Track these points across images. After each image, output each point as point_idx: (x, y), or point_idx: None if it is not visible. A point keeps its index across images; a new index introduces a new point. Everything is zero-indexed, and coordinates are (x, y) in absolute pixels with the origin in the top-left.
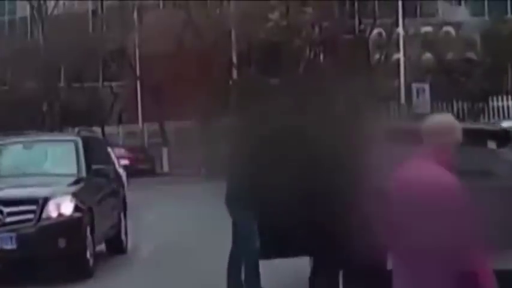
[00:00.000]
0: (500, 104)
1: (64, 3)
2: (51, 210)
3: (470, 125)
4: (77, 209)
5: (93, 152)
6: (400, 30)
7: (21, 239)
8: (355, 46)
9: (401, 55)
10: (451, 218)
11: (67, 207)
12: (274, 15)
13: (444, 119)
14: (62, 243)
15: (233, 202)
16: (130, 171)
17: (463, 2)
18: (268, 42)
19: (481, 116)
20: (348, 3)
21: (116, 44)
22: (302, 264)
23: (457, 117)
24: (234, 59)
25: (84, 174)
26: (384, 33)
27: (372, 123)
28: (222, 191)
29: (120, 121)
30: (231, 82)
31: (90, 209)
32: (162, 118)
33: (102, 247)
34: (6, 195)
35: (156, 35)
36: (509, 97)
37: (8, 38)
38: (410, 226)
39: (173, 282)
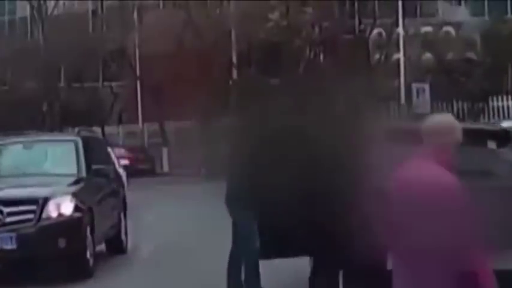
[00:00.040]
0: (500, 104)
1: (64, 3)
2: (51, 210)
3: (470, 125)
4: (77, 209)
5: (93, 152)
6: (400, 30)
7: (21, 239)
8: (355, 46)
9: (401, 55)
10: (451, 218)
11: (67, 207)
12: (274, 15)
13: (444, 119)
14: (62, 243)
15: (233, 202)
16: (131, 171)
17: (463, 2)
18: (268, 42)
19: (481, 116)
20: (348, 3)
21: (116, 44)
22: (302, 264)
23: (457, 117)
24: (234, 59)
25: (84, 174)
26: (383, 33)
27: (372, 123)
28: (222, 191)
29: (120, 121)
30: (231, 82)
31: (90, 209)
32: (162, 118)
33: (102, 247)
34: (6, 195)
35: (156, 35)
36: (509, 97)
37: (8, 38)
38: (410, 226)
39: (173, 282)
